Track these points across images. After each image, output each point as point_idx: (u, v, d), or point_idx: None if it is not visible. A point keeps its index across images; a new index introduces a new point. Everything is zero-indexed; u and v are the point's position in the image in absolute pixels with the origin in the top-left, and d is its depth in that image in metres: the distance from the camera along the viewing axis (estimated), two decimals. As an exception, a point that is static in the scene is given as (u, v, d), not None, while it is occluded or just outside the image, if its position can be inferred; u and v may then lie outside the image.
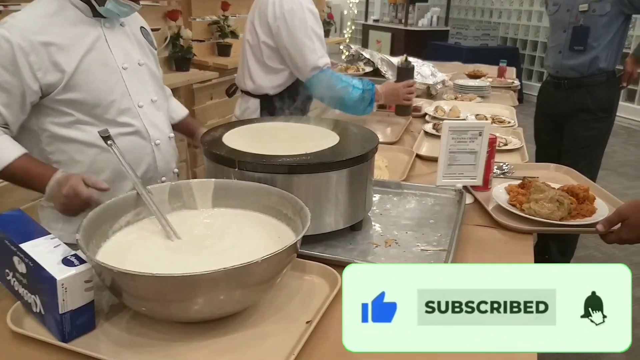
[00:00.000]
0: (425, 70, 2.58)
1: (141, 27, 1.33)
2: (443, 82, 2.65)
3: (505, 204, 1.22)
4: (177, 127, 1.44)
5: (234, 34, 3.01)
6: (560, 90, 2.43)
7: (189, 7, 2.78)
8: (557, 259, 2.42)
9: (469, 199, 1.29)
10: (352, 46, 2.67)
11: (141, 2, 1.21)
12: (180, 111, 1.49)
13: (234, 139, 1.09)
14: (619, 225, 1.08)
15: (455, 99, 2.49)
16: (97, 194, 1.00)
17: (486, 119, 2.06)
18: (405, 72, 2.27)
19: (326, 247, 1.03)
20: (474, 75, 3.12)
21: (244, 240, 0.87)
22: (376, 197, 1.28)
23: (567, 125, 2.41)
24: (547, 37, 2.58)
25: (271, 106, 1.86)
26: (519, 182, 1.31)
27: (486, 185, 1.34)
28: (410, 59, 2.83)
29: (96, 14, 1.15)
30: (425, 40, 7.49)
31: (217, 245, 0.85)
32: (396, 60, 2.62)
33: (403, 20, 8.06)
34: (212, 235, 0.89)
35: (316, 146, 1.06)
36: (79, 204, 1.01)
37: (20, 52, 1.04)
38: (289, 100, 1.87)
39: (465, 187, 1.31)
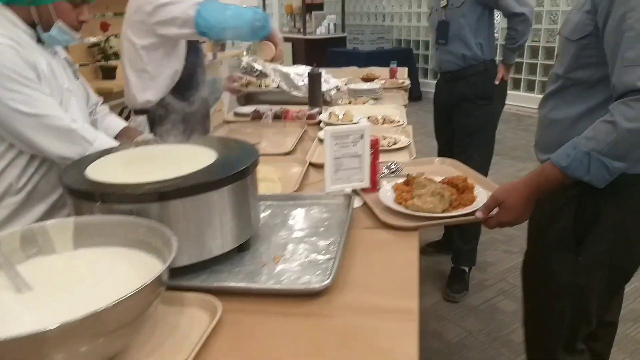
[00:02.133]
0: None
1: (65, 57, 1.45)
2: (337, 87, 2.68)
3: (391, 203, 1.23)
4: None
5: (117, 55, 2.86)
6: (446, 83, 2.55)
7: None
8: (460, 246, 2.53)
9: (358, 203, 1.29)
10: (243, 59, 2.62)
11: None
12: (118, 125, 1.62)
13: (99, 170, 1.01)
14: (496, 209, 1.13)
15: (349, 103, 2.53)
16: None
17: (377, 120, 2.10)
18: (314, 78, 2.29)
19: (211, 274, 0.98)
20: (367, 79, 3.20)
21: (108, 282, 0.80)
22: (267, 212, 1.25)
23: (454, 116, 2.54)
24: None
25: (158, 122, 1.80)
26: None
27: (374, 186, 1.35)
28: (302, 67, 2.86)
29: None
30: (325, 48, 7.64)
31: (76, 292, 0.77)
32: (289, 69, 2.62)
33: (301, 29, 8.16)
34: (72, 281, 0.80)
35: (191, 167, 1.00)
36: None
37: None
38: (176, 113, 1.81)
39: (354, 191, 1.31)
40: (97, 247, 0.88)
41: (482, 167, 2.52)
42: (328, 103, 2.56)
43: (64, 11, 1.32)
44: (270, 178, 1.49)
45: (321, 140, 1.88)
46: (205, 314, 0.83)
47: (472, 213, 1.15)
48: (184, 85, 1.91)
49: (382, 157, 1.67)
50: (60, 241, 0.87)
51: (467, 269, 2.58)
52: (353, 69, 4.08)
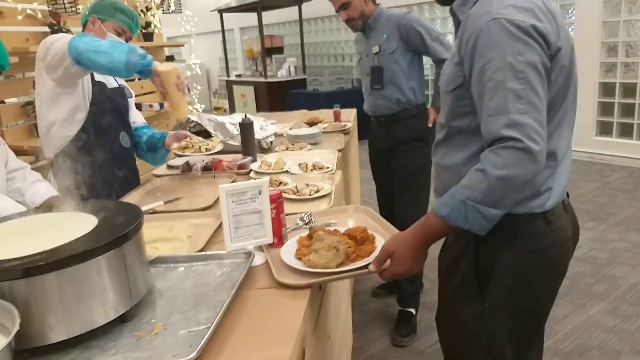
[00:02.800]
0: (254, 126, 2.60)
1: None
2: (275, 134, 2.69)
3: (291, 259, 1.21)
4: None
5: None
6: (382, 127, 2.59)
7: (-7, 93, 2.58)
8: (405, 288, 2.50)
9: (261, 260, 1.26)
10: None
11: None
12: (46, 194, 1.64)
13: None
14: (388, 261, 1.12)
15: (287, 149, 2.53)
16: None
17: (307, 167, 2.10)
18: (246, 127, 2.29)
19: (84, 350, 0.93)
20: (311, 123, 3.23)
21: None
22: (163, 275, 1.21)
23: (391, 159, 2.56)
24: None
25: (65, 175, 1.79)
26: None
27: (280, 241, 1.33)
28: (237, 116, 2.87)
29: None
30: (286, 90, 7.75)
31: None
32: (224, 119, 2.63)
33: (263, 73, 8.29)
34: None
35: (64, 238, 0.97)
36: None
37: None
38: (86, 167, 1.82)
39: (261, 247, 1.29)
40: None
41: (424, 205, 2.54)
42: (266, 150, 2.56)
43: None
44: (179, 237, 1.45)
45: (246, 192, 1.86)
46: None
47: (367, 266, 1.14)
48: (91, 128, 1.92)
49: (303, 207, 1.66)
50: None
51: (414, 311, 2.54)
52: (303, 112, 4.13)
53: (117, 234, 0.98)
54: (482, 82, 1.03)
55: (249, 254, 1.25)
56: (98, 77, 2.02)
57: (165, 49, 11.11)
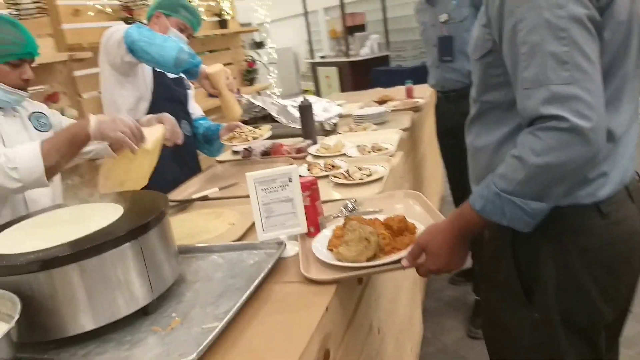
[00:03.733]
0: (316, 108, 2.53)
1: (33, 112, 1.51)
2: (339, 115, 2.60)
3: (322, 251, 1.12)
4: None
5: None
6: (451, 103, 2.38)
7: (74, 86, 2.75)
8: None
9: (294, 250, 1.19)
10: (244, 96, 2.62)
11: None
12: None
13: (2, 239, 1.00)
14: (423, 256, 0.99)
15: (350, 130, 2.43)
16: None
17: (365, 149, 1.99)
18: (305, 110, 2.23)
19: (100, 343, 0.93)
20: (381, 101, 3.08)
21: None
22: (193, 264, 1.19)
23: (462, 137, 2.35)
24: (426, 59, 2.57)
25: None
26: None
27: (317, 229, 1.25)
28: (310, 97, 2.82)
29: None
30: (369, 68, 7.56)
31: None
32: (286, 102, 2.59)
33: (346, 52, 8.16)
34: None
35: (85, 231, 0.97)
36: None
37: None
38: None
39: (296, 237, 1.22)
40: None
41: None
42: (329, 132, 2.48)
43: (3, 73, 1.38)
44: (220, 225, 1.43)
45: (300, 177, 1.80)
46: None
47: (399, 261, 1.02)
48: None
49: (352, 192, 1.57)
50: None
51: (491, 301, 2.34)
52: (377, 90, 3.98)
53: (132, 226, 0.97)
54: (515, 46, 0.85)
55: (280, 244, 1.19)
56: None
57: (256, 34, 11.31)
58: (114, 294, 0.94)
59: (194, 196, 1.75)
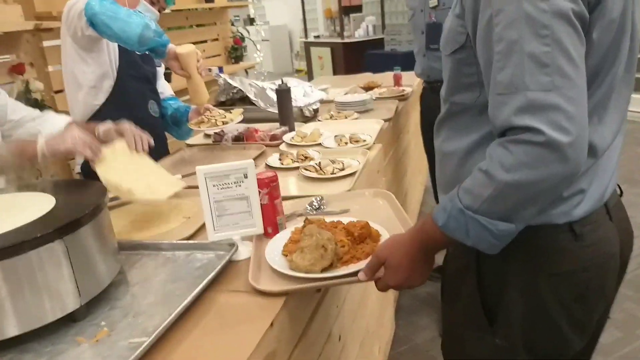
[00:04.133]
0: (297, 92, 2.41)
1: None
2: (320, 101, 2.48)
3: (274, 257, 1.02)
4: None
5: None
6: (436, 94, 2.27)
7: (44, 58, 2.60)
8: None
9: (247, 253, 1.09)
10: (221, 75, 2.49)
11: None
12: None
13: None
14: (382, 270, 0.90)
15: (330, 117, 2.32)
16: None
17: (342, 140, 1.88)
18: (283, 94, 2.11)
19: (17, 353, 0.83)
20: (367, 87, 2.97)
21: None
22: (136, 265, 1.09)
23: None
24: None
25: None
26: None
27: (276, 230, 1.15)
28: (292, 80, 2.69)
29: None
30: (363, 51, 7.40)
31: None
32: (265, 84, 2.46)
33: (340, 33, 7.98)
34: None
35: (14, 223, 0.87)
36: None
37: None
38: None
39: (253, 237, 1.12)
40: None
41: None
42: (308, 119, 2.37)
43: None
44: (174, 218, 1.33)
45: (269, 167, 1.70)
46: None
47: (356, 273, 0.92)
48: (119, 96, 1.84)
49: (322, 188, 1.47)
50: None
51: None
52: (366, 75, 3.86)
53: (57, 224, 0.86)
54: (489, 42, 0.74)
55: (232, 246, 1.09)
56: None
57: (250, 8, 10.91)
58: (35, 299, 0.84)
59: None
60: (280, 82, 2.13)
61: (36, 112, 1.48)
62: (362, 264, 0.94)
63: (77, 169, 1.89)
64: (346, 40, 7.80)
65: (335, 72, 7.92)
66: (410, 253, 0.85)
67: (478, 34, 0.76)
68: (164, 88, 2.11)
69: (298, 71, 12.07)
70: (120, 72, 1.86)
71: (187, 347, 0.82)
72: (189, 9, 3.95)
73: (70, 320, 0.90)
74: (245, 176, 1.08)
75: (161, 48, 1.66)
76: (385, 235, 1.04)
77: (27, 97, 2.43)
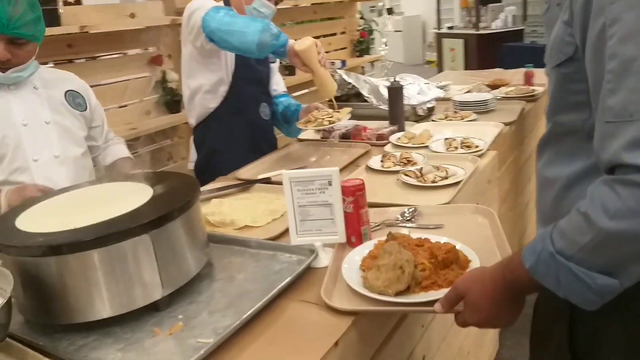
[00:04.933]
0: (411, 90, 2.31)
1: (68, 90, 1.49)
2: (436, 99, 2.35)
3: (351, 271, 0.98)
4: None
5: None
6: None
7: (179, 51, 2.81)
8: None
9: (326, 261, 1.06)
10: (337, 71, 2.48)
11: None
12: (116, 155, 1.62)
13: (29, 217, 1.00)
14: (462, 304, 0.81)
15: (445, 118, 2.18)
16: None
17: (451, 145, 1.76)
18: (394, 92, 2.06)
19: (99, 336, 0.90)
20: (493, 86, 2.74)
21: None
22: (223, 260, 1.12)
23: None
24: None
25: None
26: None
27: (359, 240, 1.11)
28: (409, 76, 2.59)
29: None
30: (500, 43, 6.90)
31: None
32: (379, 81, 2.40)
33: (475, 24, 7.54)
34: None
35: (110, 213, 0.94)
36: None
37: None
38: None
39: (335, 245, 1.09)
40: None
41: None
42: (421, 118, 2.25)
43: None
44: (268, 215, 1.34)
45: (370, 169, 1.65)
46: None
47: (433, 303, 0.84)
48: (233, 101, 1.90)
49: (420, 197, 1.38)
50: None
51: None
52: (496, 70, 3.58)
53: (142, 221, 0.91)
54: (600, 58, 0.60)
55: (312, 252, 1.07)
56: None
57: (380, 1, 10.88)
58: (124, 286, 0.90)
59: (260, 176, 1.68)
60: (393, 80, 2.05)
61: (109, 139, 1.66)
62: (442, 293, 0.86)
63: (190, 166, 2.01)
64: (481, 31, 7.34)
65: (467, 66, 7.51)
66: (491, 293, 0.75)
67: (587, 46, 0.63)
68: (278, 84, 2.14)
69: (429, 62, 11.71)
70: (235, 76, 1.90)
71: (250, 354, 0.82)
72: (314, 3, 4.00)
73: (153, 309, 0.95)
74: (330, 183, 1.05)
75: (280, 49, 1.66)
76: (475, 263, 0.93)
77: (163, 87, 2.66)
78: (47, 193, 1.17)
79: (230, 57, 1.89)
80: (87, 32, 2.38)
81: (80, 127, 1.51)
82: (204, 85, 1.88)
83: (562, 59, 0.71)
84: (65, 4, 2.43)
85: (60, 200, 1.09)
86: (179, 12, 2.79)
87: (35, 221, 0.97)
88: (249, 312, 0.87)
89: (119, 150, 1.66)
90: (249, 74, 1.94)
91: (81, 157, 1.50)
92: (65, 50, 2.48)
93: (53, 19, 2.29)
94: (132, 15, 2.65)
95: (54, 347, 0.86)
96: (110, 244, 0.88)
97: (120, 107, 2.70)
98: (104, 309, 0.90)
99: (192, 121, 1.96)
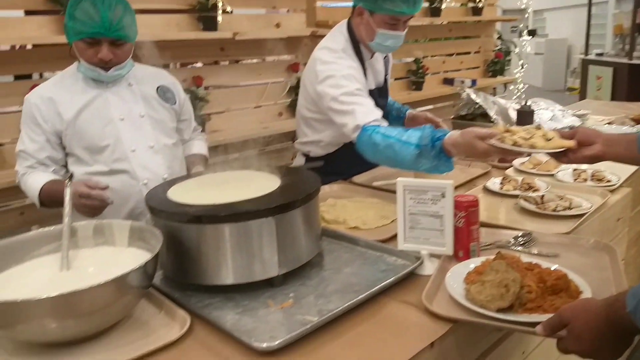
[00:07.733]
0: (543, 115, 2.22)
1: (159, 85, 1.60)
2: (570, 127, 2.23)
3: (455, 281, 1.00)
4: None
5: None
6: None
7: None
8: None
9: (432, 270, 1.10)
10: (466, 90, 2.47)
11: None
12: (190, 150, 1.74)
13: (180, 190, 1.18)
14: (564, 331, 0.80)
15: (577, 148, 2.06)
16: (96, 192, 1.27)
17: (580, 175, 1.67)
18: (524, 116, 2.03)
19: (224, 299, 1.03)
20: (639, 120, 2.52)
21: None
22: (334, 252, 1.20)
23: None
24: None
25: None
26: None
27: (467, 255, 1.12)
28: (543, 101, 2.51)
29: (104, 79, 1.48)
30: (656, 75, 6.23)
31: (92, 277, 0.92)
32: (509, 103, 2.34)
33: (628, 53, 6.86)
34: (98, 270, 1.00)
35: (238, 196, 1.07)
36: (87, 203, 1.28)
37: (34, 107, 1.43)
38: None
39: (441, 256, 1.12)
40: (141, 250, 1.05)
41: None
42: (550, 145, 2.15)
43: (81, 50, 1.42)
44: (378, 221, 1.41)
45: (487, 190, 1.63)
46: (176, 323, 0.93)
47: (534, 325, 0.83)
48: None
49: (538, 224, 1.35)
50: (119, 237, 1.09)
51: None
52: (645, 105, 3.26)
53: (270, 205, 1.03)
54: None
55: (418, 259, 1.11)
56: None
57: (529, 19, 10.33)
58: (245, 260, 1.03)
59: (375, 184, 1.75)
60: (524, 103, 2.00)
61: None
62: (546, 317, 0.85)
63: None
64: (634, 61, 6.67)
65: (613, 97, 6.87)
66: (595, 326, 0.73)
67: None
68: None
69: (570, 89, 10.90)
70: None
71: (345, 340, 0.89)
72: (451, 22, 3.98)
73: (269, 284, 1.06)
74: (443, 195, 1.08)
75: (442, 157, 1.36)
76: (586, 294, 0.91)
77: (296, 92, 2.85)
78: (92, 188, 1.29)
79: None
80: (234, 38, 2.62)
81: (171, 119, 1.62)
82: (315, 130, 1.81)
83: None
84: (223, 12, 2.72)
85: (204, 180, 1.26)
86: (319, 24, 2.99)
87: (184, 194, 1.14)
88: (353, 300, 0.94)
89: (196, 145, 1.76)
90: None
91: (173, 147, 1.61)
92: (219, 53, 2.77)
93: (212, 25, 2.58)
94: (278, 25, 2.89)
95: (186, 301, 1.01)
96: (240, 221, 1.01)
97: (256, 107, 2.95)
98: (228, 277, 1.03)
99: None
